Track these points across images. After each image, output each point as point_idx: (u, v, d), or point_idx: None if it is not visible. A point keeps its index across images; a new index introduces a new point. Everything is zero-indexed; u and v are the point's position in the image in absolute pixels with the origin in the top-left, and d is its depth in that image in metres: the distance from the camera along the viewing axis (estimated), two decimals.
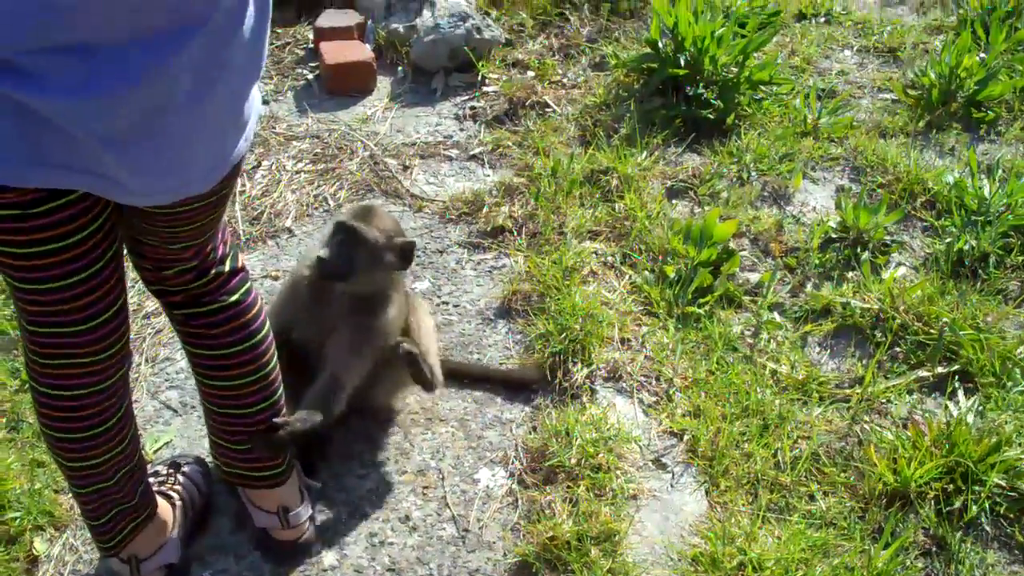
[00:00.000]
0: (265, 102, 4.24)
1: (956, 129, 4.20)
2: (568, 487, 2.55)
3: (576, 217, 3.47)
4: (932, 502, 2.55)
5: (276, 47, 4.67)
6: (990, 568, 2.44)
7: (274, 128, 4.07)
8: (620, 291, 3.19)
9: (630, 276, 3.26)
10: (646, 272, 3.27)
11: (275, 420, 2.26)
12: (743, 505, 2.54)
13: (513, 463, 2.66)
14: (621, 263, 3.33)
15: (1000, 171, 3.79)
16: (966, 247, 3.40)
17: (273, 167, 3.82)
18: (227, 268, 2.13)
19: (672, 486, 2.61)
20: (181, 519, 2.35)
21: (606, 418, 2.73)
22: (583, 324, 2.97)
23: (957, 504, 2.54)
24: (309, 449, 2.59)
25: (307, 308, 2.55)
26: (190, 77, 1.55)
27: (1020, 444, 2.66)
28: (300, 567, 2.38)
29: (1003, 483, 2.57)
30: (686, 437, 2.73)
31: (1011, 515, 2.55)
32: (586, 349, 2.92)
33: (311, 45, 4.65)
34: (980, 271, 3.36)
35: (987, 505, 2.54)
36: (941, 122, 4.23)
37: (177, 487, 2.42)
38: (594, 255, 3.33)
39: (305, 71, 4.50)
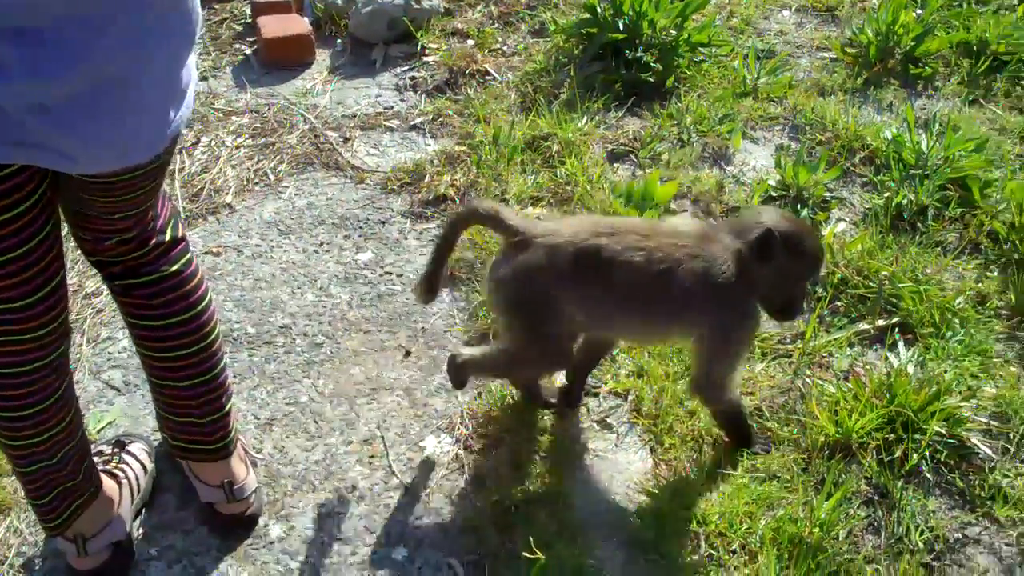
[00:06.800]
0: (203, 78, 4.20)
1: (894, 85, 4.23)
2: (513, 451, 2.56)
3: (518, 184, 3.46)
4: (874, 452, 2.58)
5: (213, 23, 4.62)
6: (931, 514, 2.47)
7: (213, 104, 4.03)
8: None
9: None
10: None
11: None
12: (687, 462, 2.57)
13: (459, 429, 2.66)
14: None
15: (937, 125, 3.82)
16: (904, 201, 3.44)
17: (212, 143, 3.78)
18: (167, 237, 2.13)
19: (617, 446, 2.63)
20: (127, 497, 2.33)
21: (551, 381, 2.74)
22: None
23: (898, 453, 2.57)
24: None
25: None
26: (125, 48, 1.55)
27: (959, 392, 2.70)
28: (247, 540, 2.37)
29: (943, 431, 2.60)
30: (630, 397, 2.74)
31: (951, 462, 2.58)
32: None
33: (248, 20, 4.60)
34: (919, 224, 3.39)
35: (927, 453, 2.57)
36: (879, 79, 4.26)
37: (122, 466, 2.41)
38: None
39: (243, 46, 4.46)
